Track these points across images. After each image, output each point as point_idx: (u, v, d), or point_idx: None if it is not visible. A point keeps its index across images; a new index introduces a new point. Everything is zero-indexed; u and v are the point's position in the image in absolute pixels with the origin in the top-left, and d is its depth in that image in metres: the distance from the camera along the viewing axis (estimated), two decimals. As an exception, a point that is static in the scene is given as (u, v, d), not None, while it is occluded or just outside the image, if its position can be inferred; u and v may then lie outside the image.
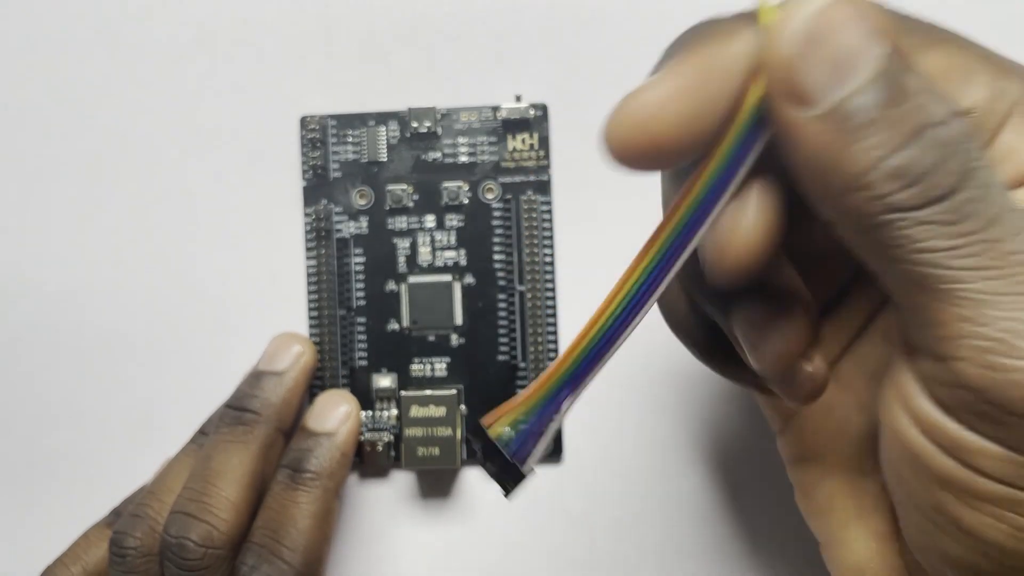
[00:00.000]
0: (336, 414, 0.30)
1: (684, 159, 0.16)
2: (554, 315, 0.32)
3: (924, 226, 0.15)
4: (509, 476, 0.19)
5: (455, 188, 0.32)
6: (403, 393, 0.31)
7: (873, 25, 0.15)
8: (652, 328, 0.21)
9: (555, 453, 0.32)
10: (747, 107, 0.15)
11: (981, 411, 0.15)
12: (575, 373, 0.18)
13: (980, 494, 0.16)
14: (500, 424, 0.19)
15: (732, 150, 0.16)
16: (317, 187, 0.32)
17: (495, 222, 0.32)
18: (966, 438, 0.16)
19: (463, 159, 0.32)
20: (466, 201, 0.32)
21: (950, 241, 0.14)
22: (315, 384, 0.32)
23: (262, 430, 0.29)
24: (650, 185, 0.32)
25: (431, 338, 0.32)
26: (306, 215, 0.32)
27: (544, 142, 0.32)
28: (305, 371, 0.30)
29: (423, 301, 0.32)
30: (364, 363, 0.32)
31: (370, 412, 0.32)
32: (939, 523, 0.17)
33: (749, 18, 0.16)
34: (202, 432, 0.31)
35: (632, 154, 0.16)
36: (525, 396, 0.19)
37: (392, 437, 0.32)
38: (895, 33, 0.15)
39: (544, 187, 0.32)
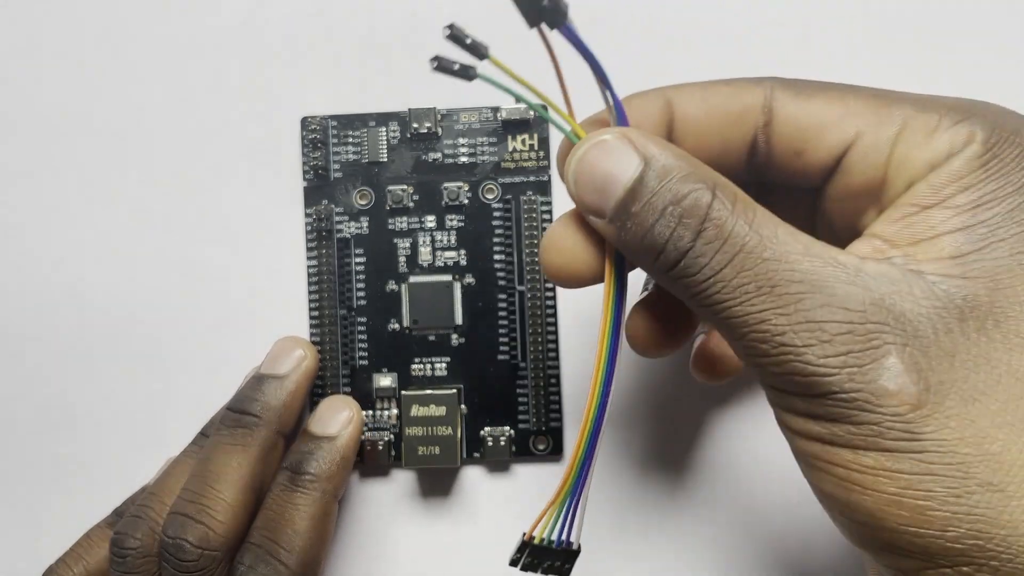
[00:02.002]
0: (338, 419, 0.30)
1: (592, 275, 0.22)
2: (554, 315, 0.32)
3: (681, 281, 0.20)
4: (566, 561, 0.24)
5: (455, 188, 0.32)
6: (403, 392, 0.31)
7: (620, 158, 0.20)
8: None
9: (555, 452, 0.32)
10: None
11: (778, 389, 0.20)
12: (581, 467, 0.23)
13: (814, 457, 0.19)
14: (539, 530, 0.24)
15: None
16: (318, 187, 0.32)
17: (495, 222, 0.32)
18: (784, 417, 0.20)
19: (463, 160, 0.32)
20: (466, 201, 0.32)
21: (707, 283, 0.19)
22: (316, 384, 0.32)
23: (262, 433, 0.29)
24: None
25: (431, 338, 0.32)
26: (307, 215, 0.32)
27: (544, 143, 0.32)
28: (307, 375, 0.31)
29: (423, 301, 0.32)
30: (365, 363, 0.32)
31: (370, 411, 0.32)
32: (823, 501, 0.20)
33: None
34: (203, 434, 0.31)
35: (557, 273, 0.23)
36: (549, 503, 0.23)
37: (392, 436, 0.32)
38: (647, 146, 0.20)
39: (544, 187, 0.32)
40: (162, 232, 0.33)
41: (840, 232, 0.23)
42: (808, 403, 0.19)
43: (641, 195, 0.20)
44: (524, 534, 0.24)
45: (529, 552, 0.24)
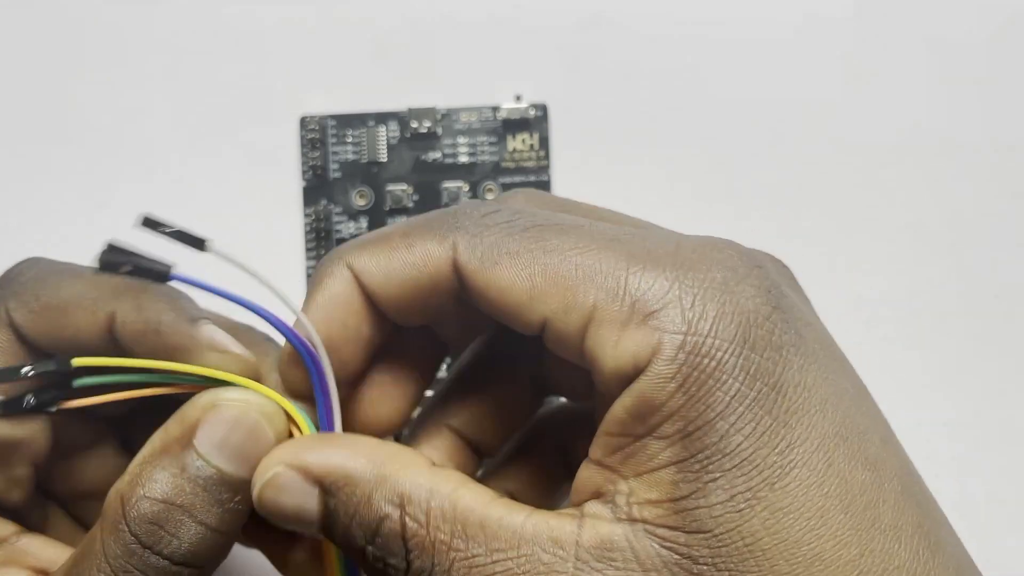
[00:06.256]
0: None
1: None
2: (554, 315, 0.32)
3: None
4: None
5: (455, 188, 0.32)
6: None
7: (296, 495, 0.19)
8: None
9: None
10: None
11: None
12: None
13: None
14: None
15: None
16: (317, 187, 0.32)
17: (495, 222, 0.32)
18: None
19: (463, 159, 0.32)
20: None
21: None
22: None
23: None
24: (651, 189, 0.32)
25: (431, 339, 0.32)
26: (306, 215, 0.32)
27: (544, 142, 0.32)
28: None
29: (423, 302, 0.32)
30: (364, 364, 0.32)
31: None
32: None
33: None
34: None
35: None
36: None
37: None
38: (322, 469, 0.19)
39: (544, 187, 0.32)
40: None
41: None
42: None
43: (336, 529, 0.19)
44: None
45: None
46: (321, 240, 0.32)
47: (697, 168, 0.32)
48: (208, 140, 0.32)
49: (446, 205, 0.32)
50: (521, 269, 0.19)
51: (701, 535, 0.17)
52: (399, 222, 0.21)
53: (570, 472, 0.23)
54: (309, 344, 0.20)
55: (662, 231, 0.21)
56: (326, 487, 0.19)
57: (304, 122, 0.32)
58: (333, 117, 0.32)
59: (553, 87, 0.32)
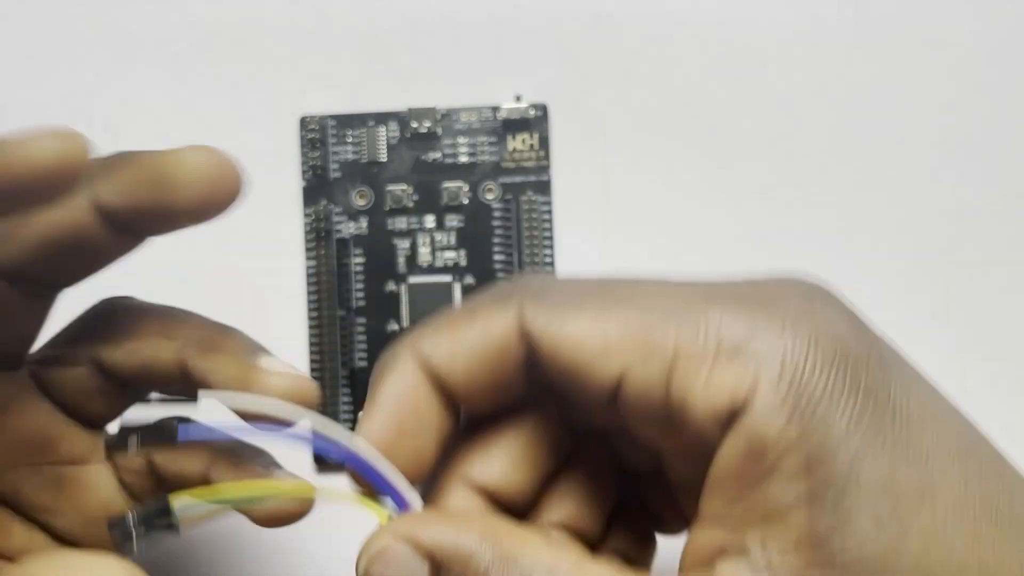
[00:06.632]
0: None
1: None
2: (554, 315, 0.32)
3: None
4: None
5: (455, 188, 0.32)
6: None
7: (406, 569, 0.18)
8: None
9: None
10: None
11: None
12: None
13: None
14: None
15: None
16: (317, 187, 0.32)
17: (495, 223, 0.32)
18: None
19: (463, 159, 0.32)
20: (466, 201, 0.32)
21: None
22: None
23: None
24: (652, 188, 0.32)
25: (431, 339, 0.32)
26: (306, 215, 0.32)
27: (544, 142, 0.32)
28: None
29: (423, 302, 0.32)
30: (364, 364, 0.32)
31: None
32: None
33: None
34: None
35: None
36: None
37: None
38: (434, 542, 0.18)
39: (544, 187, 0.32)
40: (160, 232, 0.32)
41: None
42: None
43: None
44: None
45: None
46: (321, 240, 0.32)
47: (697, 168, 0.32)
48: (208, 140, 0.32)
49: (446, 205, 0.32)
50: (593, 321, 0.18)
51: (858, 566, 0.16)
52: (463, 303, 0.21)
53: (621, 487, 0.21)
54: (365, 461, 0.19)
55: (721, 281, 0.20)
56: (438, 560, 0.18)
57: (304, 122, 0.32)
58: (333, 117, 0.32)
59: (553, 87, 0.32)
